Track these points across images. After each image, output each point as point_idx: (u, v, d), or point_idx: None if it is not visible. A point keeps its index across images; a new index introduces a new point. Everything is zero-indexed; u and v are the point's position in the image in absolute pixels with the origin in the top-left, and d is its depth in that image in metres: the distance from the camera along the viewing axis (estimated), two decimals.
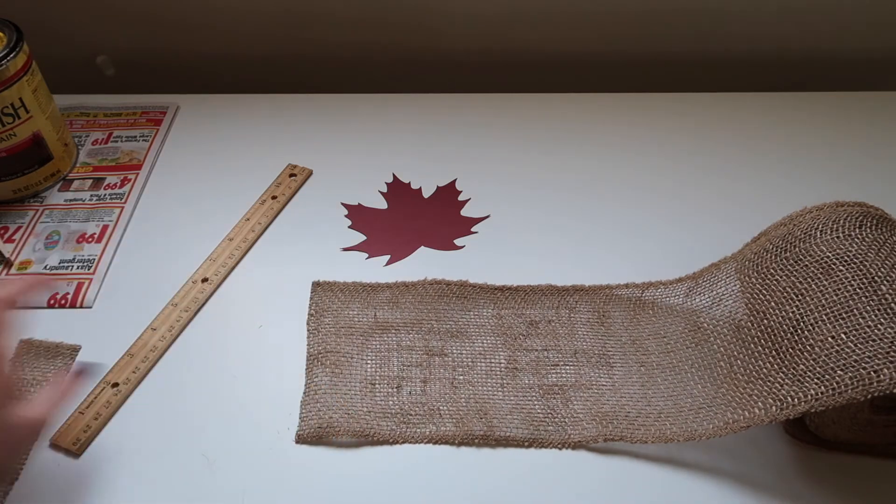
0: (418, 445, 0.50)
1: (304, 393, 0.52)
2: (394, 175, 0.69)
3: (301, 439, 0.50)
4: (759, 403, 0.45)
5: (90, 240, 0.64)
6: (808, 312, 0.45)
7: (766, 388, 0.45)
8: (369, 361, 0.54)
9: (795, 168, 0.69)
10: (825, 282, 0.46)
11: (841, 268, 0.46)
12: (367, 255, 0.62)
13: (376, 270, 0.61)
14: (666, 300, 0.56)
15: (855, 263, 0.46)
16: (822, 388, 0.42)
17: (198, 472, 0.48)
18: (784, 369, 0.45)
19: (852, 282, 0.45)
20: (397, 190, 0.68)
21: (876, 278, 0.45)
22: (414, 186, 0.68)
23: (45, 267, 0.62)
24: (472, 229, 0.64)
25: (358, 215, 0.66)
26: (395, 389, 0.53)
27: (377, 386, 0.53)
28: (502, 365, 0.54)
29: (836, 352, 0.43)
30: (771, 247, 0.51)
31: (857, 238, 0.48)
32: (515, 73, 0.85)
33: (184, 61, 0.85)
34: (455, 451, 0.50)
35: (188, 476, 0.48)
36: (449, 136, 0.73)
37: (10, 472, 0.48)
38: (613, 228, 0.64)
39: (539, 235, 0.64)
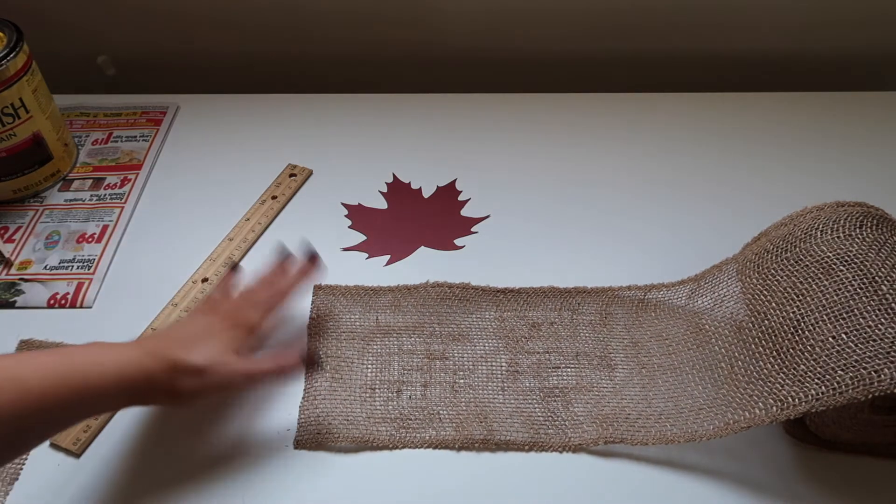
0: (418, 450, 0.50)
1: (303, 398, 0.52)
2: (394, 175, 0.69)
3: (300, 445, 0.50)
4: (760, 404, 0.45)
5: (90, 240, 0.64)
6: (809, 313, 0.45)
7: (766, 388, 0.45)
8: (370, 366, 0.54)
9: (795, 168, 0.69)
10: (826, 282, 0.46)
11: (841, 268, 0.46)
12: (367, 256, 0.62)
13: (377, 271, 0.61)
14: (668, 302, 0.56)
15: (855, 263, 0.46)
16: (823, 388, 0.42)
17: (197, 473, 0.48)
18: (785, 370, 0.45)
19: (853, 282, 0.45)
20: (397, 190, 0.68)
21: (876, 278, 0.45)
22: (414, 186, 0.68)
23: (46, 267, 0.61)
24: (473, 229, 0.64)
25: (358, 215, 0.66)
26: (394, 394, 0.52)
27: (377, 391, 0.53)
28: (503, 368, 0.54)
29: (837, 352, 0.43)
30: (771, 247, 0.51)
31: (858, 238, 0.48)
32: (516, 72, 0.85)
33: (184, 61, 0.85)
34: (455, 456, 0.50)
35: (188, 477, 0.48)
36: (449, 136, 0.73)
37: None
38: (616, 229, 0.64)
39: (541, 236, 0.64)
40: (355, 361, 0.54)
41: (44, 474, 0.49)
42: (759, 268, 0.51)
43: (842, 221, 0.49)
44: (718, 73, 0.84)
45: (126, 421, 0.51)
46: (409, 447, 0.50)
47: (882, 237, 0.48)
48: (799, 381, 0.43)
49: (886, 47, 0.81)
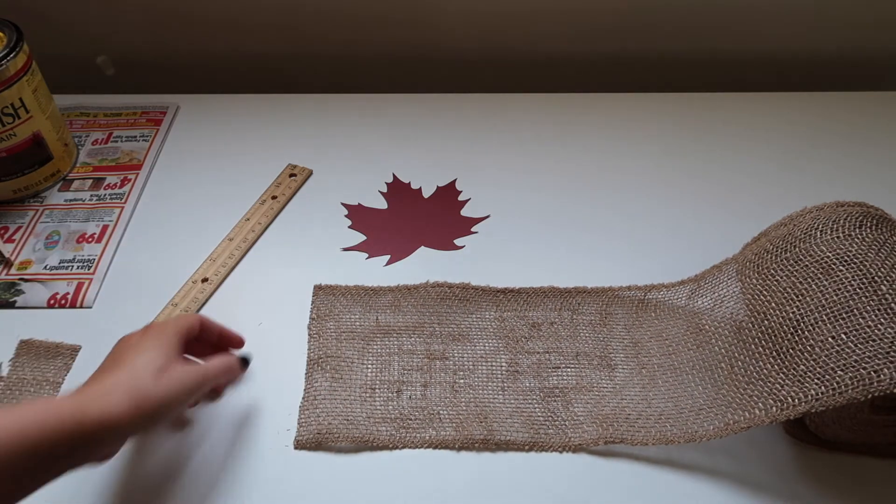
0: (418, 450, 0.50)
1: (304, 398, 0.52)
2: (394, 175, 0.69)
3: (300, 445, 0.50)
4: (760, 404, 0.45)
5: (90, 240, 0.64)
6: (809, 313, 0.45)
7: (766, 388, 0.45)
8: (370, 366, 0.54)
9: (795, 168, 0.69)
10: (825, 282, 0.46)
11: (841, 268, 0.46)
12: (367, 256, 0.62)
13: (377, 271, 0.61)
14: (668, 302, 0.56)
15: (855, 263, 0.46)
16: (823, 388, 0.42)
17: (197, 473, 0.48)
18: (784, 370, 0.45)
19: (852, 282, 0.45)
20: (397, 190, 0.68)
21: (876, 278, 0.45)
22: (414, 186, 0.68)
23: (45, 267, 0.61)
24: (473, 229, 0.64)
25: (358, 215, 0.66)
26: (395, 394, 0.52)
27: (377, 391, 0.53)
28: (503, 368, 0.54)
29: (837, 352, 0.43)
30: (771, 247, 0.51)
31: (858, 238, 0.48)
32: (516, 72, 0.85)
33: (184, 61, 0.85)
34: (455, 456, 0.50)
35: (188, 477, 0.48)
36: (449, 136, 0.73)
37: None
38: (616, 229, 0.64)
39: (541, 236, 0.64)
40: (355, 361, 0.54)
41: None
42: (758, 268, 0.51)
43: (841, 221, 0.49)
44: (719, 73, 0.84)
45: None
46: (409, 447, 0.50)
47: (882, 237, 0.48)
48: (798, 381, 0.43)
49: (886, 47, 0.81)
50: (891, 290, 0.44)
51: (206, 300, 0.59)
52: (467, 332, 0.56)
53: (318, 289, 0.59)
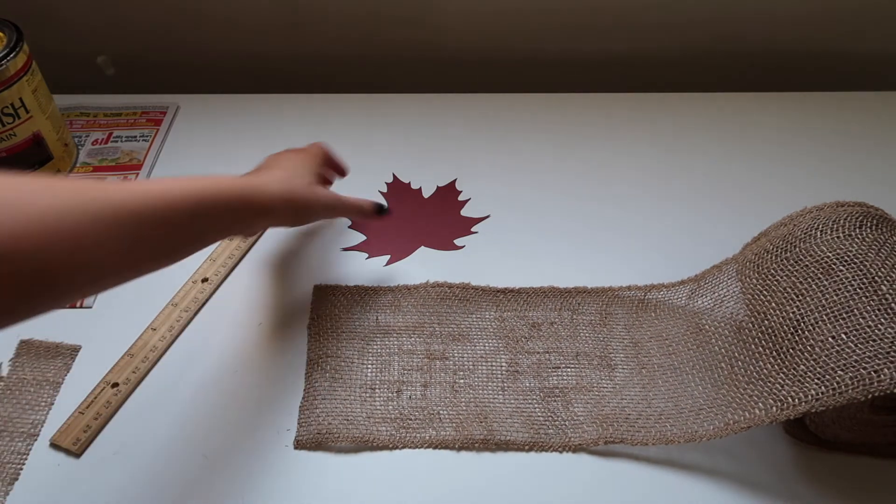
0: (418, 450, 0.50)
1: (303, 398, 0.52)
2: (394, 175, 0.69)
3: (300, 445, 0.50)
4: (760, 404, 0.45)
5: None
6: (809, 313, 0.45)
7: (766, 388, 0.45)
8: (370, 366, 0.54)
9: (795, 168, 0.69)
10: (825, 282, 0.46)
11: (841, 268, 0.46)
12: (367, 256, 0.62)
13: (377, 271, 0.61)
14: (669, 302, 0.56)
15: (855, 263, 0.46)
16: (823, 388, 0.42)
17: (197, 473, 0.48)
18: (784, 370, 0.45)
19: (852, 282, 0.45)
20: (397, 190, 0.68)
21: (876, 278, 0.45)
22: (414, 186, 0.68)
23: None
24: (473, 229, 0.64)
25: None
26: (394, 394, 0.52)
27: (377, 391, 0.53)
28: (503, 368, 0.54)
29: (837, 352, 0.43)
30: (771, 247, 0.51)
31: (858, 238, 0.48)
32: (516, 72, 0.85)
33: (184, 61, 0.85)
34: (455, 456, 0.50)
35: (188, 478, 0.48)
36: (449, 136, 0.73)
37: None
38: (616, 229, 0.64)
39: (541, 236, 0.64)
40: (355, 361, 0.54)
41: (44, 474, 0.49)
42: (758, 268, 0.51)
43: (841, 221, 0.49)
44: (718, 73, 0.84)
45: (126, 421, 0.51)
46: (409, 447, 0.50)
47: (882, 237, 0.48)
48: (798, 381, 0.43)
49: (886, 47, 0.81)
50: (891, 290, 0.44)
51: (206, 300, 0.59)
52: (467, 332, 0.56)
53: (318, 289, 0.59)
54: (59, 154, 0.68)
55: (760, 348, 0.47)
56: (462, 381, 0.53)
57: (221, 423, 0.51)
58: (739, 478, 0.48)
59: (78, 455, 0.49)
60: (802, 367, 0.44)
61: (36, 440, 0.50)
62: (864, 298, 0.44)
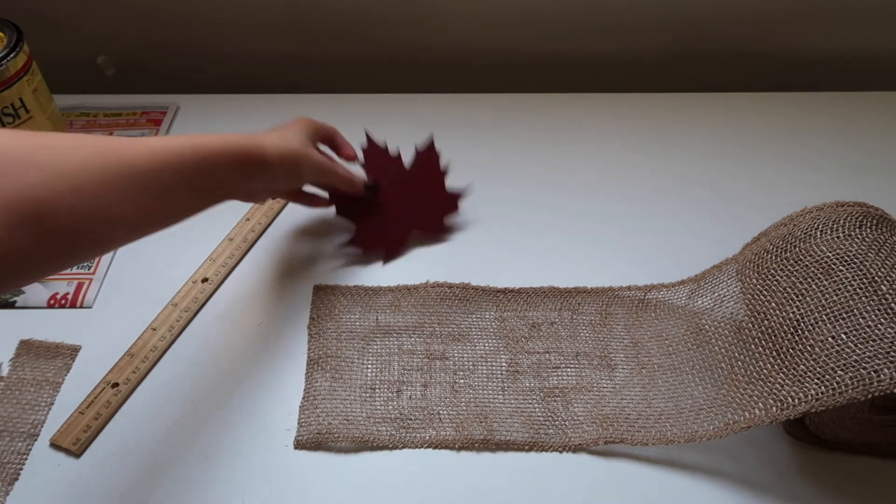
0: (418, 450, 0.50)
1: (304, 398, 0.52)
2: (367, 135, 0.64)
3: (300, 445, 0.50)
4: (760, 404, 0.45)
5: None
6: (809, 313, 0.45)
7: (766, 388, 0.45)
8: (370, 366, 0.54)
9: (795, 168, 0.69)
10: (825, 282, 0.46)
11: (841, 268, 0.46)
12: (361, 251, 0.62)
13: (376, 271, 0.61)
14: (668, 302, 0.56)
15: (855, 263, 0.46)
16: (823, 388, 0.42)
17: (197, 473, 0.48)
18: (784, 370, 0.45)
19: (852, 282, 0.45)
20: (375, 156, 0.64)
21: (876, 278, 0.45)
22: (391, 149, 0.64)
23: None
24: (461, 211, 0.63)
25: (343, 202, 0.63)
26: (395, 394, 0.52)
27: (377, 391, 0.53)
28: (503, 368, 0.54)
29: (837, 352, 0.43)
30: (771, 247, 0.51)
31: (858, 238, 0.48)
32: (516, 72, 0.85)
33: (184, 61, 0.85)
34: (455, 456, 0.50)
35: (188, 477, 0.48)
36: (449, 136, 0.73)
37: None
38: (616, 229, 0.64)
39: (541, 236, 0.64)
40: (355, 361, 0.54)
41: (44, 474, 0.49)
42: (758, 268, 0.51)
43: (841, 221, 0.49)
44: (718, 73, 0.84)
45: (126, 421, 0.51)
46: (409, 447, 0.50)
47: (882, 237, 0.48)
48: (798, 381, 0.43)
49: (886, 47, 0.81)
50: (891, 290, 0.44)
51: (206, 300, 0.59)
52: (467, 332, 0.56)
53: (318, 289, 0.59)
54: None
55: (760, 348, 0.47)
56: (462, 381, 0.53)
57: (221, 423, 0.51)
58: (739, 478, 0.48)
59: (78, 455, 0.49)
60: (802, 367, 0.44)
61: (36, 440, 0.50)
62: (863, 298, 0.44)
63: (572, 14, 0.79)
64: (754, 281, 0.51)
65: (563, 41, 0.82)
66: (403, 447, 0.50)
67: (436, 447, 0.50)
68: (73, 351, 0.55)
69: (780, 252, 0.50)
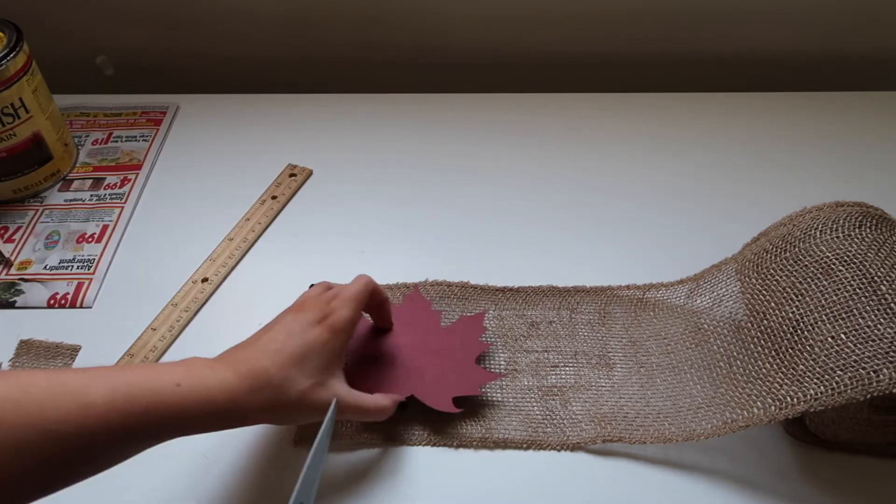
0: (416, 447, 0.50)
1: None
2: (415, 287, 0.58)
3: (299, 441, 0.50)
4: (759, 403, 0.45)
5: (90, 240, 0.64)
6: (808, 313, 0.45)
7: (765, 387, 0.45)
8: None
9: (795, 168, 0.69)
10: (825, 282, 0.46)
11: (840, 268, 0.46)
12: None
13: (375, 270, 0.61)
14: (667, 301, 0.56)
15: (854, 263, 0.46)
16: (822, 388, 0.42)
17: (197, 473, 0.49)
18: (783, 369, 0.45)
19: (852, 282, 0.45)
20: (413, 307, 0.55)
21: (875, 278, 0.45)
22: (436, 306, 0.57)
23: (45, 267, 0.62)
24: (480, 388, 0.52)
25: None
26: None
27: None
28: (502, 366, 0.54)
29: (836, 352, 0.43)
30: (771, 247, 0.51)
31: (857, 238, 0.48)
32: (516, 73, 0.85)
33: (184, 61, 0.85)
34: (453, 453, 0.50)
35: (188, 476, 0.48)
36: (449, 136, 0.73)
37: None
38: (615, 229, 0.64)
39: (540, 235, 0.64)
40: None
41: None
42: (758, 267, 0.51)
43: (841, 221, 0.49)
44: (718, 73, 0.84)
45: None
46: (408, 444, 0.50)
47: (881, 237, 0.48)
48: (798, 380, 0.43)
49: (886, 47, 0.81)
50: (890, 290, 0.44)
51: (206, 300, 0.59)
52: None
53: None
54: (59, 154, 0.68)
55: (759, 348, 0.47)
56: None
57: None
58: (738, 477, 0.48)
59: None
60: (801, 366, 0.44)
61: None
62: (863, 298, 0.44)
63: (572, 14, 0.79)
64: (754, 281, 0.51)
65: (563, 41, 0.82)
66: (401, 445, 0.50)
67: (434, 445, 0.50)
68: (73, 351, 0.55)
69: (780, 252, 0.50)
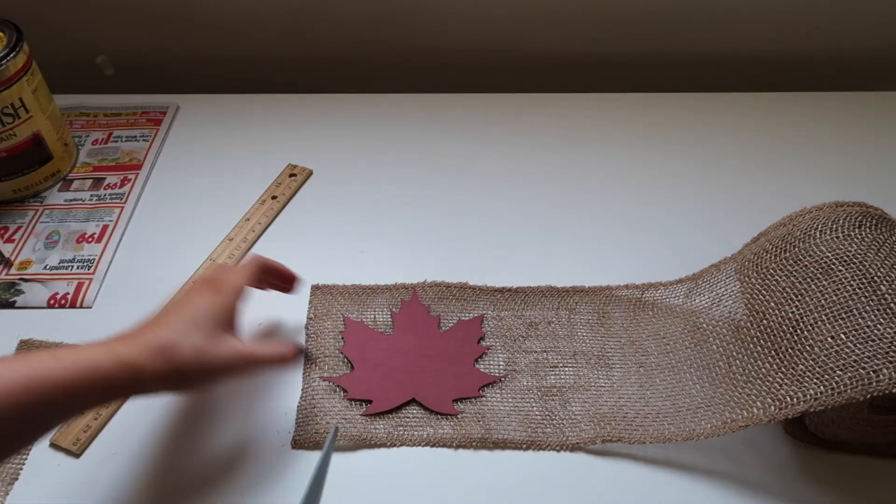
0: (415, 448, 0.50)
1: (301, 398, 0.52)
2: (415, 293, 0.58)
3: (297, 444, 0.50)
4: (758, 403, 0.45)
5: (90, 240, 0.64)
6: (808, 312, 0.45)
7: (765, 387, 0.45)
8: None
9: (795, 168, 0.69)
10: (825, 282, 0.46)
11: (840, 268, 0.46)
12: (345, 394, 0.52)
13: (374, 271, 0.61)
14: (666, 301, 0.56)
15: (854, 263, 0.46)
16: (822, 387, 0.42)
17: (196, 474, 0.49)
18: (783, 369, 0.45)
19: (852, 282, 0.45)
20: (412, 313, 0.57)
21: (875, 278, 0.45)
22: (433, 313, 0.57)
23: (45, 267, 0.62)
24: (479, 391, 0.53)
25: (354, 334, 0.56)
26: None
27: None
28: (501, 367, 0.54)
29: (836, 352, 0.43)
30: (770, 247, 0.51)
31: (857, 238, 0.48)
32: (515, 73, 0.85)
33: (184, 61, 0.85)
34: (452, 454, 0.50)
35: (187, 477, 0.48)
36: (449, 136, 0.73)
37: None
38: (614, 228, 0.64)
39: (539, 236, 0.64)
40: None
41: (44, 474, 0.49)
42: (757, 267, 0.51)
43: (841, 221, 0.49)
44: (718, 73, 0.84)
45: (126, 421, 0.51)
46: (407, 445, 0.50)
47: (881, 237, 0.48)
48: (797, 380, 0.43)
49: (886, 47, 0.81)
50: (890, 290, 0.44)
51: None
52: None
53: (316, 288, 0.59)
54: (59, 154, 0.68)
55: (759, 347, 0.47)
56: None
57: (221, 423, 0.51)
58: (738, 477, 0.48)
59: (78, 455, 0.50)
60: (801, 366, 0.44)
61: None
62: (863, 298, 0.44)
63: (572, 14, 0.79)
64: (753, 280, 0.51)
65: (563, 41, 0.82)
66: (401, 445, 0.50)
67: (433, 445, 0.50)
68: None
69: (780, 252, 0.50)
